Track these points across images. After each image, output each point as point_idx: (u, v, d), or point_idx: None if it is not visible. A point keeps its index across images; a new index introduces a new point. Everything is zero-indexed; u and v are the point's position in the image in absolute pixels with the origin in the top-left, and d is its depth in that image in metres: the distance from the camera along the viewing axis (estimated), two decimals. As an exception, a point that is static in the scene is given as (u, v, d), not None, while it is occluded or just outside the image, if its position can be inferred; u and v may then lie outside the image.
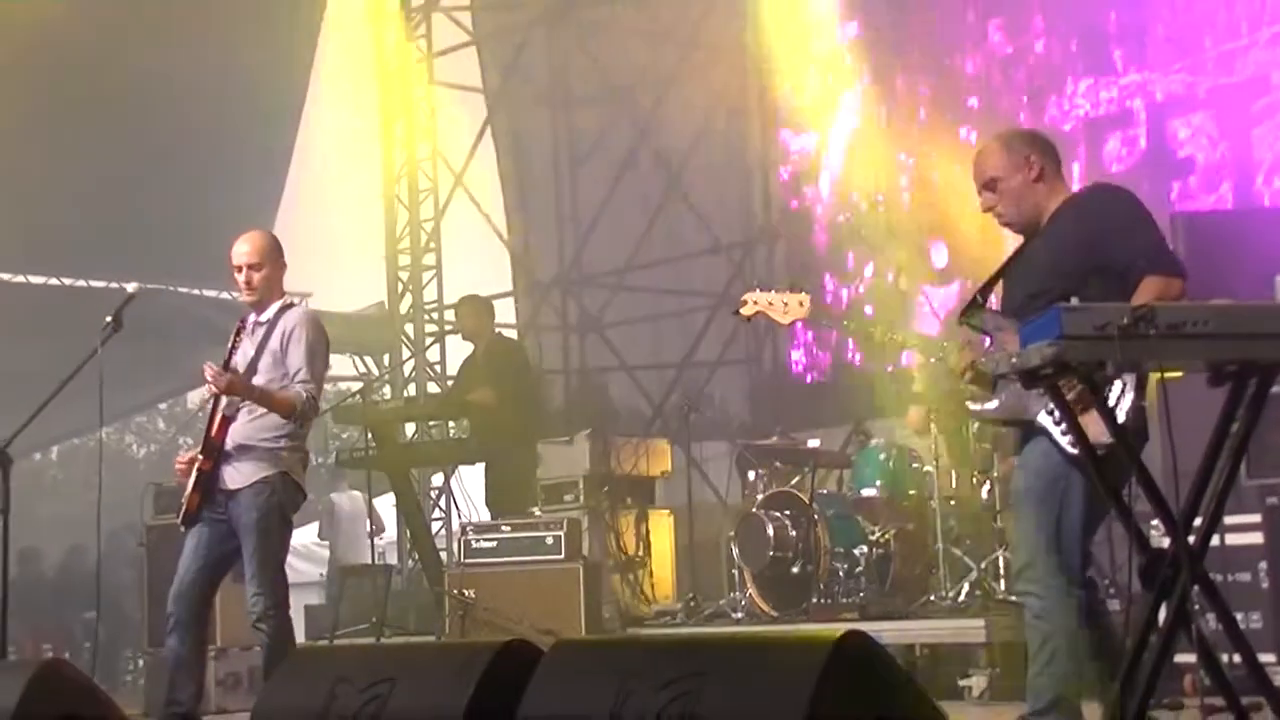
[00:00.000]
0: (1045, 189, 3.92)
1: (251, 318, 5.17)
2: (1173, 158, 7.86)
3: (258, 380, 5.03)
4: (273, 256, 5.15)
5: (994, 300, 4.02)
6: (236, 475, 4.97)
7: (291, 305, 5.19)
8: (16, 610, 5.94)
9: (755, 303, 4.34)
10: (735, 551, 7.08)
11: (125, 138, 10.44)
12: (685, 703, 2.31)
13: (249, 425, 4.99)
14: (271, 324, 5.09)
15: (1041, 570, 3.74)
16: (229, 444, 4.99)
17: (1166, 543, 3.10)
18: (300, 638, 6.11)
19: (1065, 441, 3.66)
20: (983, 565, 6.48)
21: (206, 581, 5.01)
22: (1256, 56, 7.53)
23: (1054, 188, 3.93)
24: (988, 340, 3.94)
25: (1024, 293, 3.84)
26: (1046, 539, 3.74)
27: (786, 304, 4.28)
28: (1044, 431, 3.73)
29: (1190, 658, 3.87)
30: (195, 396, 14.87)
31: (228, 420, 5.01)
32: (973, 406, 3.95)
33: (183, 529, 5.06)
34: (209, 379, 4.93)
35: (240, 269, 5.12)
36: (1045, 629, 3.73)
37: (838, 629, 2.39)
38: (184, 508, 5.03)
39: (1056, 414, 3.67)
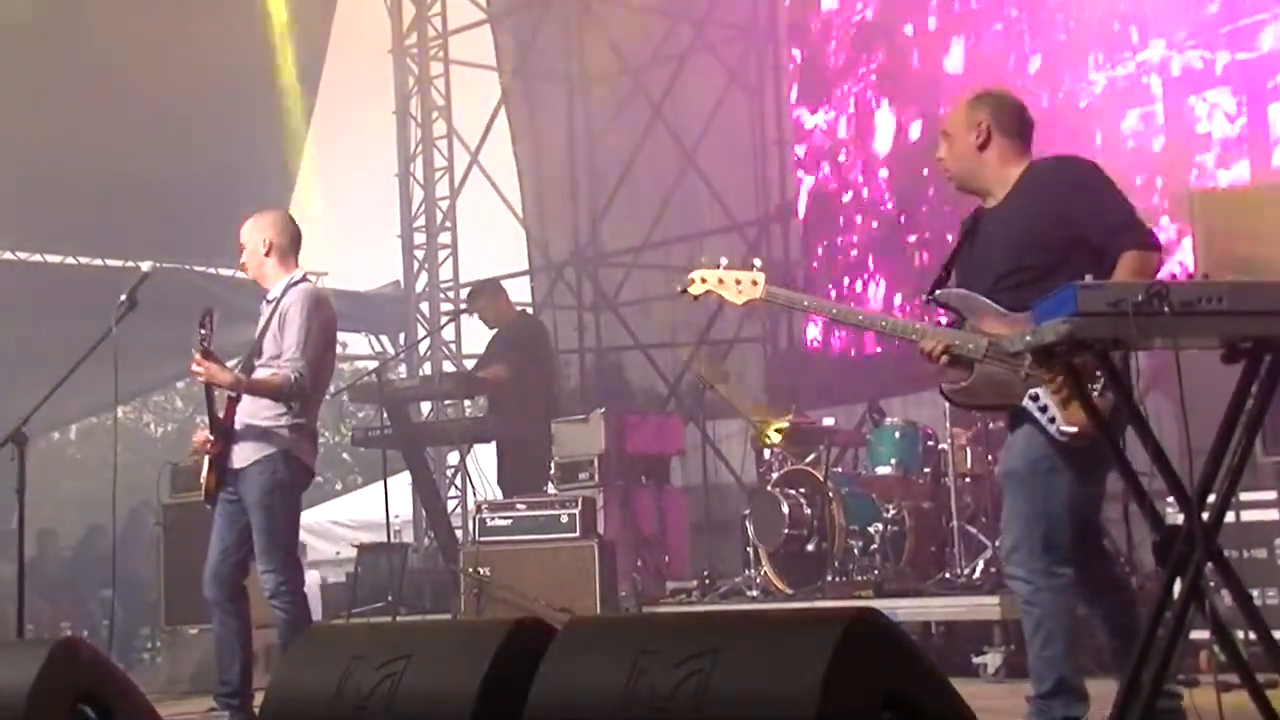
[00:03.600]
0: (993, 156, 3.84)
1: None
2: (1190, 134, 7.81)
3: (263, 360, 5.06)
4: (257, 234, 5.16)
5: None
6: (241, 454, 5.02)
7: (296, 284, 5.17)
8: (35, 588, 6.01)
9: (704, 280, 4.15)
10: (750, 529, 7.09)
11: (141, 117, 10.45)
12: (699, 680, 2.31)
13: (252, 404, 5.03)
14: (276, 303, 5.11)
15: (1026, 554, 3.70)
16: (236, 423, 5.03)
17: (1181, 520, 3.10)
18: (316, 616, 6.15)
19: (1050, 427, 3.64)
20: (998, 543, 6.45)
21: (234, 561, 5.06)
22: (1275, 31, 7.47)
23: (1006, 156, 3.83)
24: (944, 320, 3.87)
25: (993, 272, 3.76)
26: (1030, 522, 3.69)
27: (739, 282, 4.09)
28: (1028, 416, 3.69)
29: (1205, 634, 3.87)
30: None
31: (234, 401, 5.04)
32: (947, 388, 3.82)
33: (209, 508, 5.12)
34: (193, 368, 4.95)
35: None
36: (1036, 613, 3.71)
37: (852, 607, 2.39)
38: (203, 488, 5.09)
39: (1041, 399, 3.65)
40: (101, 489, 6.65)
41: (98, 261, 11.50)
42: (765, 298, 4.09)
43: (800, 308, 4.51)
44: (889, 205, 9.87)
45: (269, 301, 5.16)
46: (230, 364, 5.21)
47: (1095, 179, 3.79)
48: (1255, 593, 4.64)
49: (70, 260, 11.60)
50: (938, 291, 3.85)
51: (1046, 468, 3.68)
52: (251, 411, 5.02)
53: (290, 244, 5.21)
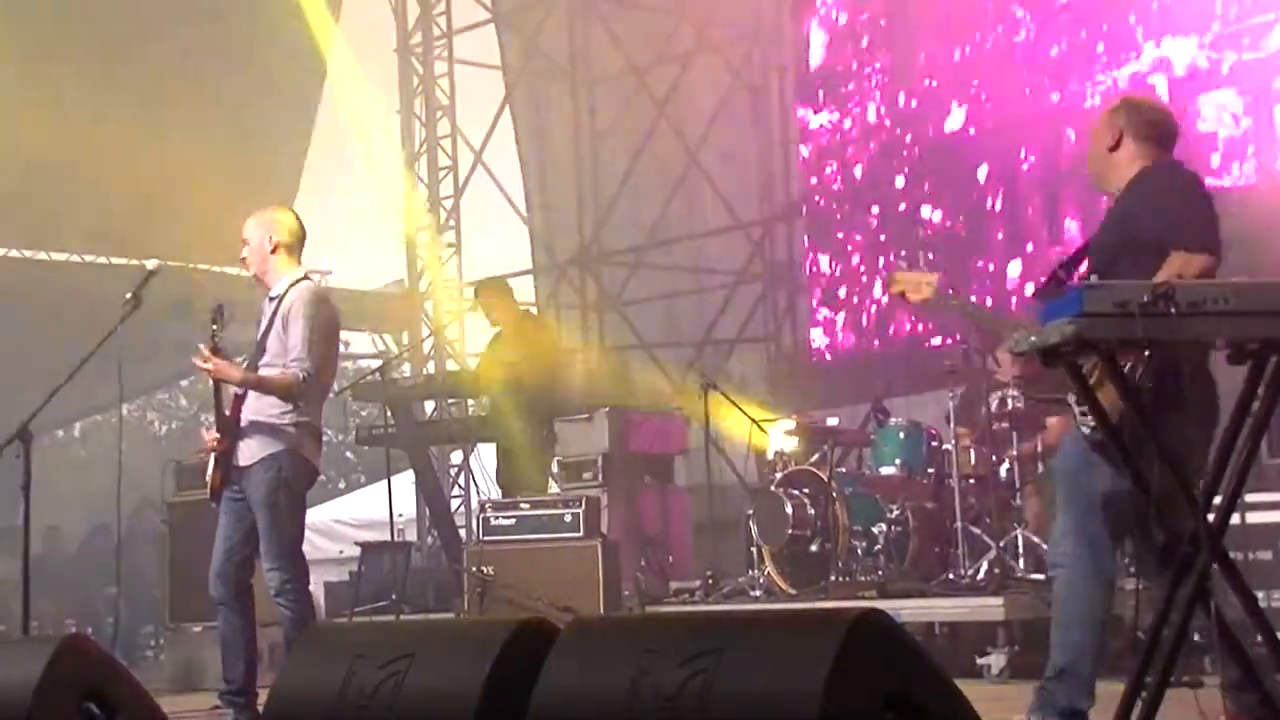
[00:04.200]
0: (1123, 158, 3.92)
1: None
2: (1195, 133, 7.80)
3: (267, 358, 5.05)
4: (262, 230, 5.15)
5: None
6: (246, 452, 5.01)
7: (299, 282, 5.15)
8: (40, 585, 6.01)
9: (899, 281, 4.40)
10: (754, 529, 7.08)
11: (147, 116, 10.46)
12: (703, 680, 2.31)
13: (257, 402, 5.02)
14: (279, 301, 5.10)
15: (1065, 545, 3.83)
16: (242, 421, 5.03)
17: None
18: (320, 614, 6.16)
19: (1083, 425, 3.67)
20: (1001, 544, 6.46)
21: (239, 560, 5.06)
22: (1281, 32, 7.47)
23: (1134, 159, 3.90)
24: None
25: (1093, 267, 3.87)
26: (1071, 517, 3.82)
27: (918, 284, 4.34)
28: (1072, 414, 3.76)
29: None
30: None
31: (240, 399, 5.04)
32: (1013, 376, 4.01)
33: (214, 505, 5.12)
34: (198, 364, 4.95)
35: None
36: (1062, 596, 3.84)
37: (857, 607, 2.39)
38: (209, 485, 5.09)
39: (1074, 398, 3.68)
40: (106, 486, 6.66)
41: (102, 259, 11.51)
42: (933, 297, 4.34)
43: (962, 312, 4.76)
44: (893, 204, 9.87)
45: (271, 299, 5.16)
46: (238, 362, 5.20)
47: (1166, 183, 3.83)
48: (1260, 595, 4.62)
49: (75, 258, 11.61)
50: (1048, 285, 3.97)
51: (1084, 464, 3.76)
52: (257, 409, 5.01)
53: (295, 242, 5.20)
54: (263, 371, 5.06)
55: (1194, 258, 3.63)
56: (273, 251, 5.15)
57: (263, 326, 5.11)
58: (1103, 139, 3.95)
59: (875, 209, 10.02)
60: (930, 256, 9.20)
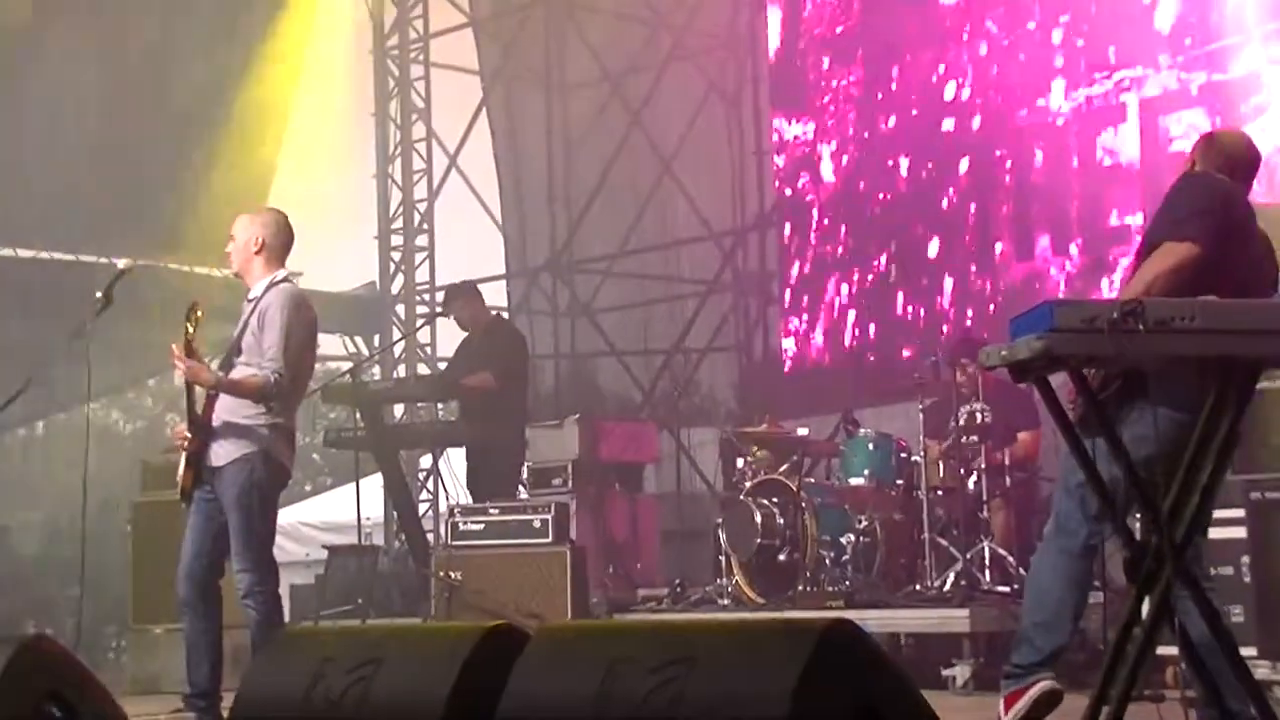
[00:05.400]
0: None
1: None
2: (1164, 154, 7.88)
3: (242, 358, 5.03)
4: (251, 230, 5.14)
5: None
6: (219, 452, 4.99)
7: (278, 284, 5.15)
8: (-1, 586, 5.95)
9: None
10: (723, 538, 7.10)
11: (118, 112, 10.39)
12: (672, 688, 2.32)
13: (231, 402, 5.00)
14: (256, 302, 5.09)
15: (1048, 528, 4.03)
16: (215, 421, 5.00)
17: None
18: (285, 617, 6.11)
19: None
20: (968, 555, 6.50)
21: (208, 561, 5.03)
22: (1250, 54, 7.54)
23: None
24: None
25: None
26: (1056, 504, 4.01)
27: None
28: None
29: (1173, 650, 3.90)
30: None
31: (213, 398, 5.02)
32: None
33: (184, 506, 5.09)
34: (173, 363, 4.93)
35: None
36: (1032, 573, 4.11)
37: (827, 617, 2.40)
38: (179, 486, 5.05)
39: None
40: (68, 486, 6.60)
41: (70, 257, 11.41)
42: None
43: None
44: (864, 217, 9.92)
45: (250, 300, 5.14)
46: (208, 362, 5.17)
47: (1175, 188, 3.92)
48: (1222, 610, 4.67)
49: (43, 255, 11.51)
50: None
51: (1072, 465, 3.84)
52: (231, 409, 4.99)
53: (282, 245, 5.19)
54: (235, 373, 5.04)
55: (1176, 246, 3.70)
56: (257, 251, 5.14)
57: (239, 326, 5.10)
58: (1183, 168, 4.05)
59: (847, 221, 10.06)
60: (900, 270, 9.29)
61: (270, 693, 2.82)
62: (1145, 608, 3.15)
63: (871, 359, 9.57)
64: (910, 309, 9.39)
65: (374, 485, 10.36)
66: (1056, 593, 3.93)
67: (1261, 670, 4.85)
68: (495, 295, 11.62)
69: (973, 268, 9.04)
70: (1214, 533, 5.14)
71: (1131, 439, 3.30)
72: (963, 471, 6.78)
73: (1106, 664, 3.14)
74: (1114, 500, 3.34)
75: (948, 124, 9.28)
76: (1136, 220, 7.87)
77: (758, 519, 6.84)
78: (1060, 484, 4.04)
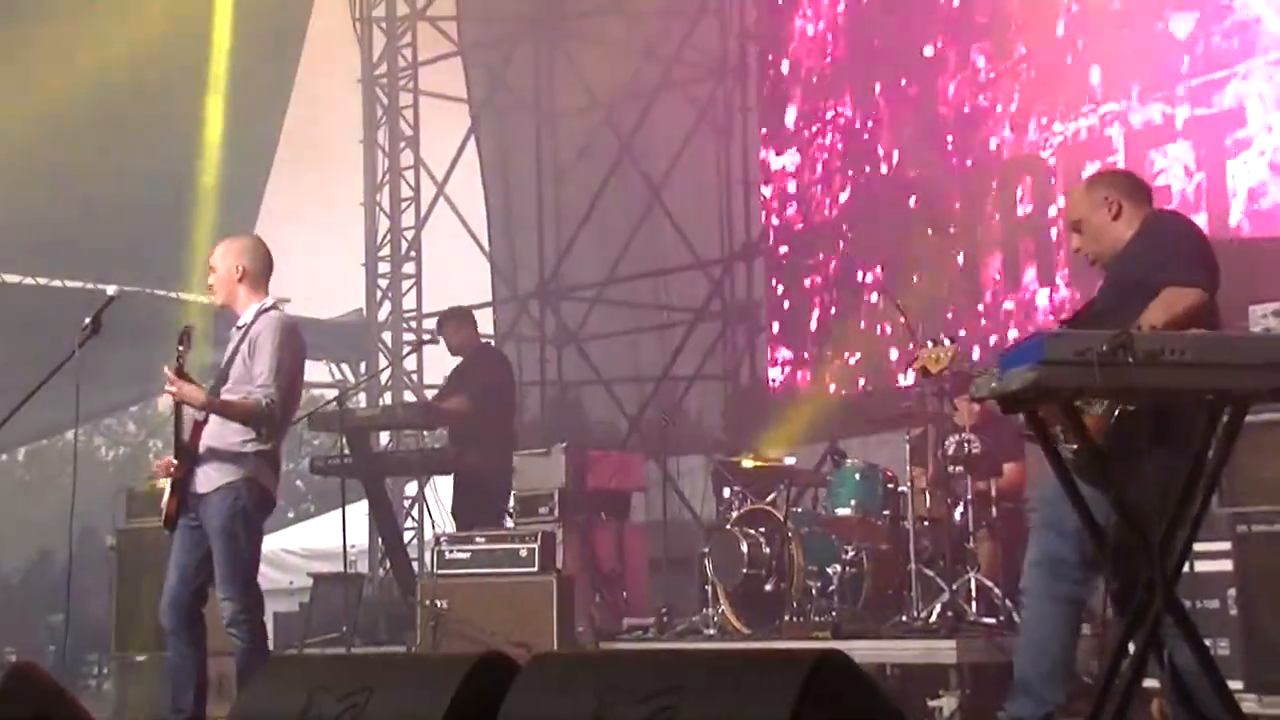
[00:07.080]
0: (1124, 224, 4.06)
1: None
2: (1151, 187, 7.92)
3: (229, 385, 5.03)
4: (230, 259, 5.15)
5: None
6: (205, 479, 4.98)
7: (267, 310, 5.15)
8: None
9: (921, 359, 4.79)
10: (709, 567, 7.08)
11: (104, 138, 10.39)
12: (664, 717, 2.32)
13: (218, 429, 4.99)
14: (246, 329, 5.09)
15: (1031, 573, 4.05)
16: (201, 448, 4.99)
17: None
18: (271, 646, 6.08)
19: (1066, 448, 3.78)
20: (955, 587, 6.49)
21: (193, 588, 5.00)
22: (1236, 88, 7.61)
23: (1133, 219, 4.06)
24: None
25: (1104, 307, 4.00)
26: (1038, 545, 4.04)
27: (938, 357, 4.71)
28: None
29: (1157, 684, 3.91)
30: (166, 400, 14.79)
31: (200, 425, 5.00)
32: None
33: (167, 534, 5.06)
34: (166, 386, 4.92)
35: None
36: (1027, 620, 4.13)
37: (818, 648, 2.40)
38: (164, 512, 5.03)
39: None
40: (50, 512, 6.57)
41: (56, 283, 11.39)
42: (951, 362, 4.79)
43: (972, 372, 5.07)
44: (849, 247, 9.95)
45: (239, 328, 5.14)
46: (169, 398, 5.15)
47: (1162, 227, 4.00)
48: (1208, 643, 4.68)
49: (28, 280, 11.48)
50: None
51: (1062, 494, 3.82)
52: (218, 436, 4.98)
53: (263, 270, 5.19)
54: (224, 397, 5.03)
55: (1185, 291, 3.73)
56: (240, 280, 5.14)
57: (228, 353, 5.09)
58: (1101, 214, 4.08)
59: (836, 251, 10.10)
60: (891, 303, 9.31)
61: (261, 719, 2.81)
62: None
63: (859, 389, 9.59)
64: (896, 337, 9.41)
65: (359, 512, 10.33)
66: (1059, 641, 3.93)
67: (1248, 704, 4.85)
68: (483, 323, 11.61)
69: (961, 298, 9.08)
70: (1201, 566, 5.18)
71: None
72: (949, 502, 6.79)
73: (1096, 696, 3.14)
74: (1110, 545, 3.33)
75: (935, 155, 9.34)
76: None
77: (744, 548, 6.83)
78: (1048, 523, 3.99)
